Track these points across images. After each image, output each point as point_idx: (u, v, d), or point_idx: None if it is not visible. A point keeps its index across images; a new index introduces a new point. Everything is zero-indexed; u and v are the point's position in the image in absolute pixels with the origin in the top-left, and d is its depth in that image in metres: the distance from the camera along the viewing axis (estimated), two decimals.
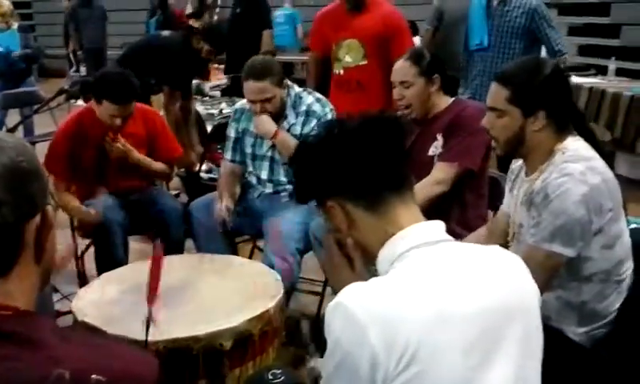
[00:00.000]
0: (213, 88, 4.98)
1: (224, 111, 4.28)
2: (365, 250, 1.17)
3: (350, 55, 3.54)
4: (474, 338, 1.00)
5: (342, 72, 3.56)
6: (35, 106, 2.82)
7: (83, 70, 8.32)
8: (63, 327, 0.92)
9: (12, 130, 2.88)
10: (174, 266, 2.25)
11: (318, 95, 2.86)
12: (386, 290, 1.03)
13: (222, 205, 2.69)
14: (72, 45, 8.31)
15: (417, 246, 1.09)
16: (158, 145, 3.11)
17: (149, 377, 0.89)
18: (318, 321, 2.86)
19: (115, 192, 2.97)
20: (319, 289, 2.97)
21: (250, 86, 2.67)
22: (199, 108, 4.30)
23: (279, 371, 1.50)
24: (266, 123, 2.70)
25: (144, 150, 3.03)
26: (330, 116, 2.77)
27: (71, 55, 8.42)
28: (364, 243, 1.16)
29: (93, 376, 0.83)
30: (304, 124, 2.74)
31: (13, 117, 5.42)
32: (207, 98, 4.66)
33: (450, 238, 1.13)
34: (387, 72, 3.48)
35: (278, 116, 2.74)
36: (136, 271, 2.24)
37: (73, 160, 2.92)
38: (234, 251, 2.83)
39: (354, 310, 0.99)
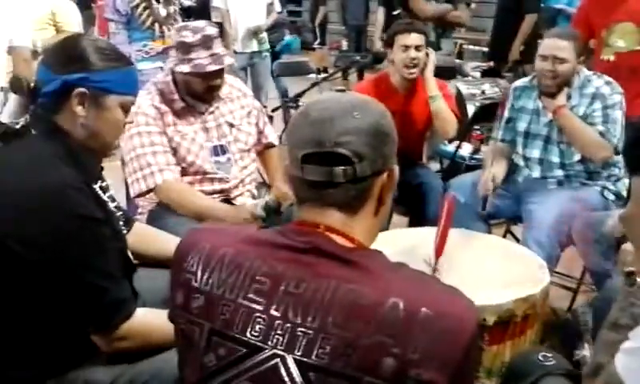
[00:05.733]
0: (474, 69, 4.96)
1: (486, 92, 4.25)
2: None
3: (623, 39, 3.26)
4: None
5: (612, 58, 3.30)
6: (323, 75, 3.10)
7: (345, 44, 8.82)
8: (394, 262, 1.02)
9: (299, 96, 3.18)
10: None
11: (608, 78, 2.72)
12: None
13: (490, 176, 2.67)
14: (319, 18, 8.84)
15: None
16: None
17: (471, 320, 0.94)
18: (568, 318, 2.77)
19: None
20: (573, 285, 2.87)
21: (550, 41, 2.67)
22: (461, 87, 4.32)
23: (550, 355, 1.48)
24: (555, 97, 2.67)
25: (426, 120, 3.09)
26: (617, 99, 2.63)
27: (317, 29, 8.92)
28: None
29: (423, 309, 0.91)
30: (589, 106, 2.65)
31: None
32: (469, 77, 4.66)
33: None
34: None
35: (559, 90, 2.67)
36: (403, 235, 2.38)
37: None
38: (488, 233, 2.83)
39: None
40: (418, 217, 3.12)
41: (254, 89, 5.47)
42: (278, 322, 0.95)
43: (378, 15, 5.37)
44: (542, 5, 5.39)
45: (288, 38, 6.38)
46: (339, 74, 4.10)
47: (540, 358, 1.50)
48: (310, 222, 1.03)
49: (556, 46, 2.63)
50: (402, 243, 2.26)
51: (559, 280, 2.97)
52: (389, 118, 1.06)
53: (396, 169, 1.07)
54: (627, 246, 1.35)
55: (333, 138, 0.99)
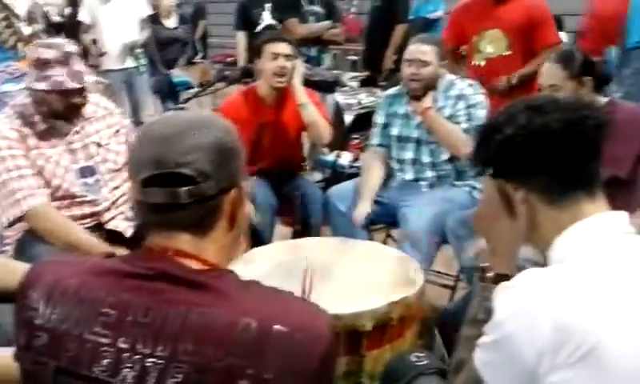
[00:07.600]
0: (351, 79, 5.06)
1: (362, 102, 4.35)
2: (533, 234, 1.15)
3: (492, 45, 3.54)
4: None
5: (482, 63, 3.58)
6: (197, 91, 3.04)
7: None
8: (246, 281, 1.01)
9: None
10: (316, 249, 2.34)
11: (471, 81, 2.91)
12: (566, 282, 0.99)
13: (363, 210, 2.76)
14: (199, 32, 8.78)
15: (600, 237, 1.05)
16: None
17: (325, 331, 0.95)
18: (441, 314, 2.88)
19: (265, 174, 3.11)
20: (450, 282, 2.98)
21: (413, 46, 2.82)
22: (338, 98, 4.40)
23: (423, 355, 1.52)
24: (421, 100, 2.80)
25: (298, 129, 3.13)
26: (479, 99, 2.80)
27: (198, 43, 8.84)
28: (537, 229, 1.14)
29: (275, 326, 0.90)
30: (453, 106, 2.80)
31: None
32: (346, 88, 4.75)
33: (633, 230, 1.08)
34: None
35: (426, 92, 2.80)
36: (281, 249, 2.37)
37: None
38: (369, 239, 2.90)
39: (531, 299, 0.97)
40: (301, 227, 3.14)
41: (133, 105, 5.31)
42: (126, 354, 0.91)
43: (238, 39, 5.24)
44: (412, 16, 5.63)
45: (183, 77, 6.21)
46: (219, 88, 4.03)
47: (413, 358, 1.54)
48: (158, 247, 0.99)
49: (419, 50, 2.78)
50: (284, 255, 2.27)
51: (437, 278, 3.07)
52: (234, 135, 1.04)
53: (245, 185, 1.06)
54: (481, 243, 1.41)
55: (175, 158, 0.96)
